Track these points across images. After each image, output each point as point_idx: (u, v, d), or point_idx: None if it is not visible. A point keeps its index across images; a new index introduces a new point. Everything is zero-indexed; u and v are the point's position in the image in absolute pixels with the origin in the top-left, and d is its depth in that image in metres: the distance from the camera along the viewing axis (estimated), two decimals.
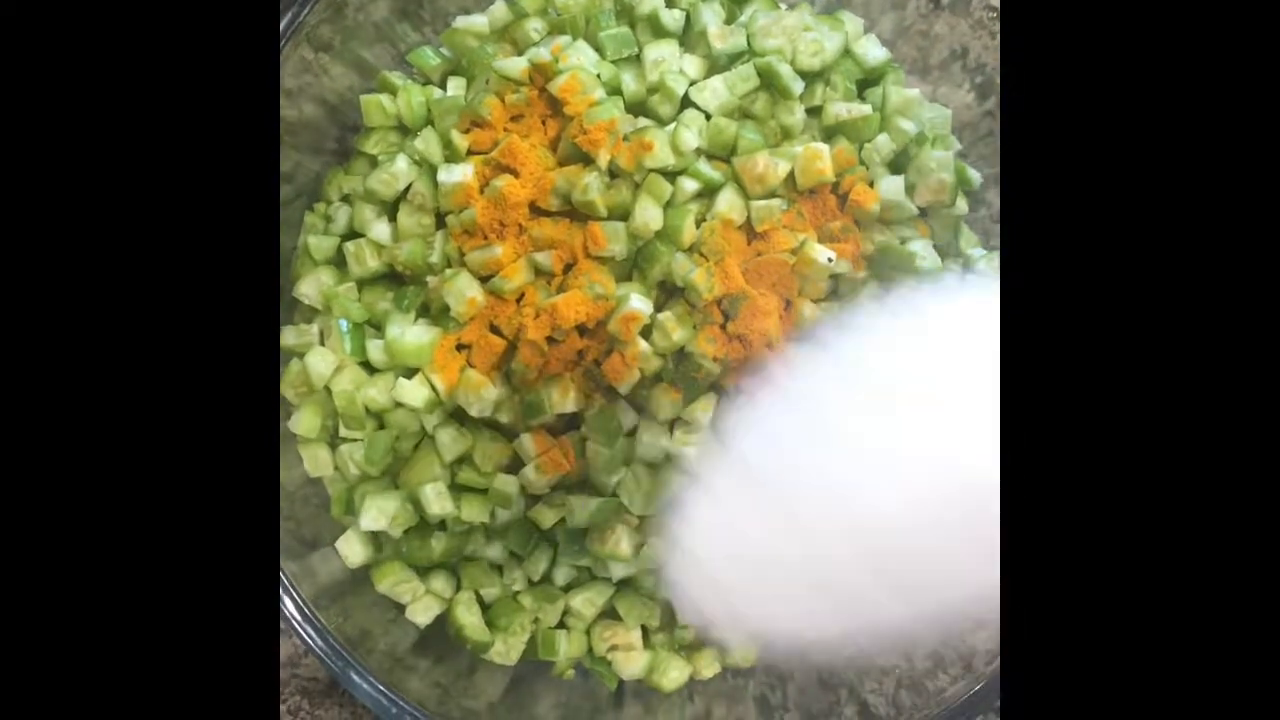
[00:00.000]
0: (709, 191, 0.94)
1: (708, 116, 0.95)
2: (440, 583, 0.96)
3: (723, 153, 0.95)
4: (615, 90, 0.97)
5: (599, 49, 0.99)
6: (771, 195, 0.94)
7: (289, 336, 0.97)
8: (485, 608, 0.97)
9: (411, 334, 0.93)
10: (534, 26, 1.00)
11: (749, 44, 0.98)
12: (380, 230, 0.97)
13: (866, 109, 0.98)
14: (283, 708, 1.03)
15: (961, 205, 1.00)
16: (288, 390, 0.97)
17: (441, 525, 0.95)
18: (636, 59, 0.99)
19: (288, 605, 0.86)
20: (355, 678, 0.86)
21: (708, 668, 0.99)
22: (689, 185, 0.93)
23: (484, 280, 0.93)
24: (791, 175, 0.95)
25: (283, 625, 0.87)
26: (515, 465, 0.94)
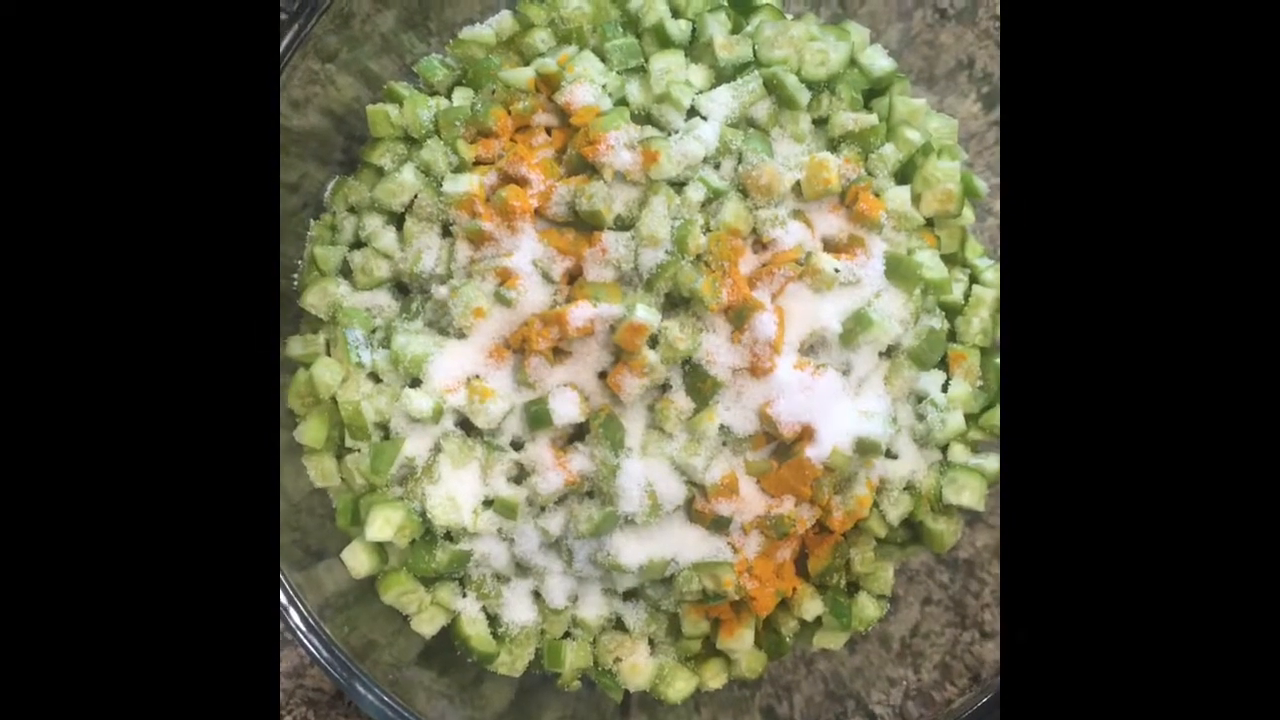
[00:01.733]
0: (715, 201, 0.93)
1: (714, 127, 0.95)
2: (446, 593, 0.96)
3: (729, 163, 0.95)
4: (621, 100, 0.97)
5: (605, 59, 0.99)
6: (778, 205, 0.94)
7: (295, 347, 0.97)
8: (491, 618, 0.97)
9: (418, 344, 0.93)
10: (540, 37, 1.01)
11: (755, 54, 0.99)
12: (387, 240, 0.97)
13: (873, 119, 0.98)
14: (288, 719, 1.02)
15: (968, 215, 1.00)
16: (294, 401, 0.97)
17: (448, 536, 0.95)
18: (643, 69, 0.99)
19: (293, 616, 0.86)
20: (360, 689, 0.86)
21: (714, 679, 0.99)
22: (695, 194, 0.93)
23: (490, 290, 0.93)
24: (798, 185, 0.95)
25: (288, 636, 0.87)
26: (521, 475, 0.94)
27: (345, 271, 1.00)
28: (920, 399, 0.97)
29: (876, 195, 0.96)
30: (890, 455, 0.97)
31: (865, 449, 0.91)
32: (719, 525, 0.92)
